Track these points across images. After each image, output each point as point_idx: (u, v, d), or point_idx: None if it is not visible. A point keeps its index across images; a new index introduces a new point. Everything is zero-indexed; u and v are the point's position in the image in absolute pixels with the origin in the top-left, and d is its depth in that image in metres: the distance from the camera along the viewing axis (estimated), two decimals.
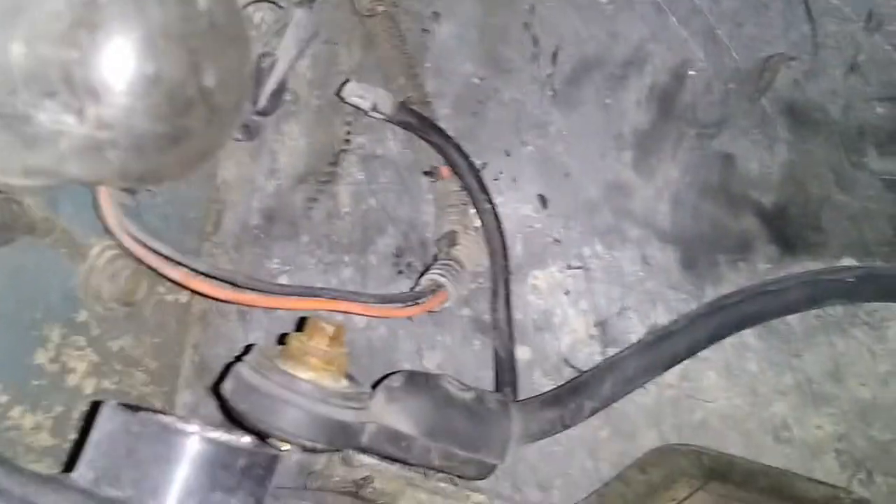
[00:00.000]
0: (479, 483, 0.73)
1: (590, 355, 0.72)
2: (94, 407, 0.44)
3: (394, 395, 0.58)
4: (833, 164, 0.69)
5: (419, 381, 0.59)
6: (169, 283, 0.70)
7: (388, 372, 0.64)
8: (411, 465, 0.64)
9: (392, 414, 0.57)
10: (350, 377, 0.57)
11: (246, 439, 0.47)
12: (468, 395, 0.61)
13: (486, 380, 0.73)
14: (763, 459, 0.69)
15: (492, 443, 0.61)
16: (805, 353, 0.69)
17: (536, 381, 0.73)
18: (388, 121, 0.66)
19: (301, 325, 0.55)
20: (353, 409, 0.54)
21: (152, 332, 0.70)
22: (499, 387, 0.68)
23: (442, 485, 0.74)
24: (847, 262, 0.68)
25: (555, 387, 0.69)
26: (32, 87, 0.38)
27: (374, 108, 0.62)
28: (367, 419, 0.55)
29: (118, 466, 0.41)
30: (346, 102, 0.64)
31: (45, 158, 0.41)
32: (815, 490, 0.68)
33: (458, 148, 0.68)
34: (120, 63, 0.39)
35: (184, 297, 0.74)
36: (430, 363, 0.75)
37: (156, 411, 0.45)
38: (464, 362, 0.74)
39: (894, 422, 0.67)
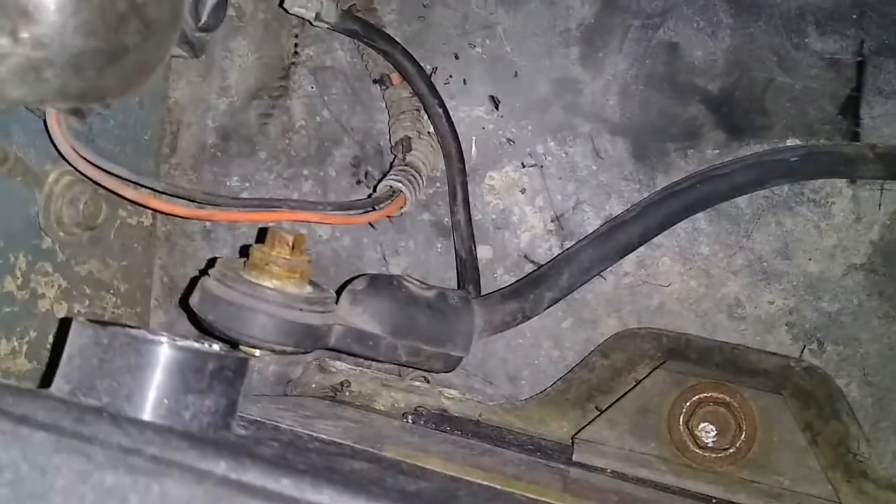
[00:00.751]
0: (452, 379, 0.77)
1: (549, 250, 0.74)
2: (65, 325, 0.45)
3: (357, 297, 0.60)
4: (775, 46, 0.71)
5: (382, 283, 0.61)
6: (130, 207, 0.71)
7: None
8: (380, 361, 0.66)
9: (357, 315, 0.59)
10: (314, 283, 0.58)
11: (215, 346, 0.49)
12: (430, 293, 0.63)
13: (452, 280, 0.75)
14: (719, 337, 0.72)
15: (456, 336, 0.63)
16: (754, 233, 0.72)
17: (499, 278, 0.75)
18: (333, 29, 0.66)
19: (262, 236, 0.57)
20: (319, 312, 0.56)
21: (118, 255, 0.71)
22: (462, 285, 0.70)
23: (416, 383, 0.77)
24: (792, 142, 0.71)
25: (515, 281, 0.71)
26: None
27: (318, 18, 0.62)
28: (333, 321, 0.57)
29: (92, 377, 0.42)
30: (290, 13, 0.64)
31: None
32: (768, 361, 0.71)
33: (406, 53, 0.68)
34: None
35: (147, 219, 0.75)
36: (396, 269, 0.77)
37: (124, 325, 0.47)
38: (428, 265, 0.76)
39: (842, 293, 0.71)
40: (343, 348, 0.59)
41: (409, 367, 0.71)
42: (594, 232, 0.71)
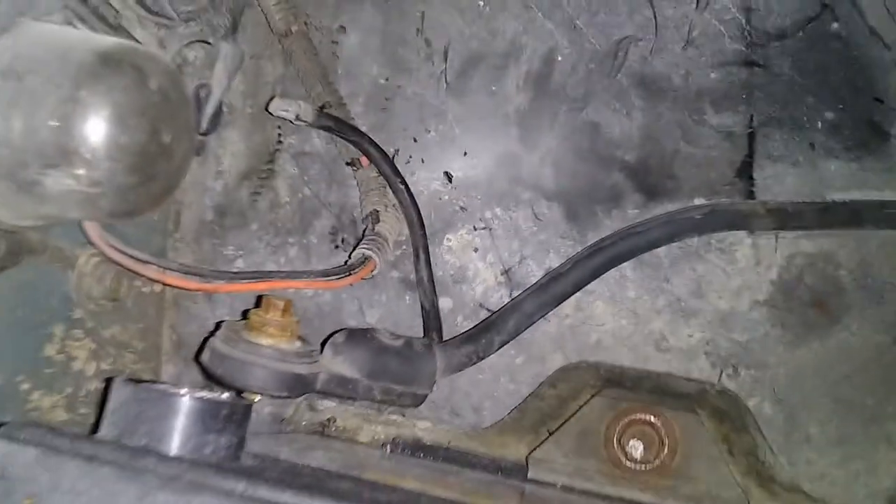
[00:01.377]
0: (425, 412, 0.87)
1: (500, 298, 0.86)
2: (107, 384, 0.57)
3: (338, 349, 0.72)
4: (679, 122, 0.82)
5: (358, 336, 0.74)
6: (145, 279, 0.83)
7: (335, 330, 0.77)
8: (359, 400, 0.78)
9: (338, 364, 0.71)
10: (302, 339, 0.71)
11: (225, 395, 0.61)
12: (398, 342, 0.75)
13: (419, 328, 0.86)
14: (648, 367, 0.83)
15: (421, 377, 0.76)
16: (673, 278, 0.83)
17: (459, 324, 0.86)
18: (310, 126, 0.78)
19: (258, 302, 0.69)
20: (307, 363, 0.68)
21: (135, 319, 0.83)
22: (426, 333, 0.82)
23: (393, 417, 0.88)
24: (698, 201, 0.82)
25: (470, 328, 0.82)
26: (38, 161, 0.51)
27: (298, 118, 0.74)
28: (319, 370, 0.69)
29: (132, 424, 0.54)
30: (274, 115, 0.76)
31: (53, 209, 0.54)
32: (688, 386, 0.82)
33: (372, 141, 0.80)
34: (101, 137, 0.52)
35: (158, 287, 0.87)
36: (371, 319, 0.88)
37: (153, 381, 0.59)
38: (399, 315, 0.88)
39: (750, 325, 0.81)
40: (327, 391, 0.70)
41: (384, 403, 0.83)
42: (535, 283, 0.82)
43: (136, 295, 0.81)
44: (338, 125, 0.77)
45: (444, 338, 0.83)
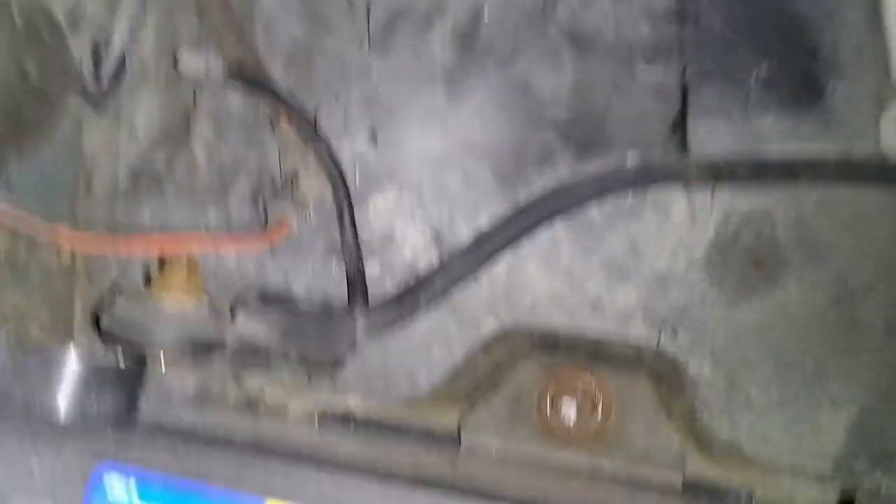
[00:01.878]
0: (356, 383, 0.84)
1: (430, 262, 0.83)
2: None
3: (250, 310, 0.69)
4: (611, 78, 0.80)
5: (271, 297, 0.70)
6: (49, 246, 0.79)
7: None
8: (273, 365, 0.75)
9: (250, 326, 0.68)
10: (211, 301, 0.67)
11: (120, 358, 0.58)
12: (315, 304, 0.72)
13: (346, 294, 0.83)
14: (585, 330, 0.81)
15: (340, 340, 0.73)
16: (607, 237, 0.81)
17: (388, 287, 0.83)
18: (222, 85, 0.74)
19: (161, 264, 0.65)
20: (214, 324, 0.64)
21: (40, 290, 0.78)
22: (351, 298, 0.79)
23: (323, 390, 0.85)
24: (631, 158, 0.80)
25: (395, 292, 0.80)
26: None
27: (208, 76, 0.70)
28: (228, 333, 0.66)
29: (12, 385, 0.51)
30: (183, 74, 0.72)
31: None
32: (626, 349, 0.80)
33: (287, 101, 0.77)
34: None
35: (66, 258, 0.82)
36: (298, 287, 0.85)
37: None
38: (327, 283, 0.84)
39: (687, 286, 0.80)
40: (239, 357, 0.67)
41: (302, 368, 0.79)
42: (464, 245, 0.80)
43: (40, 265, 0.77)
44: (250, 83, 0.73)
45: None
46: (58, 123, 0.55)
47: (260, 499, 0.40)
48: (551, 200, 0.79)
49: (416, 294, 0.77)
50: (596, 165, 0.81)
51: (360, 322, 0.74)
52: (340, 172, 0.80)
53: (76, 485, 0.42)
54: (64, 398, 0.49)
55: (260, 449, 0.40)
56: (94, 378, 0.50)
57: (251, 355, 0.68)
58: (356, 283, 0.79)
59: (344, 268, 0.81)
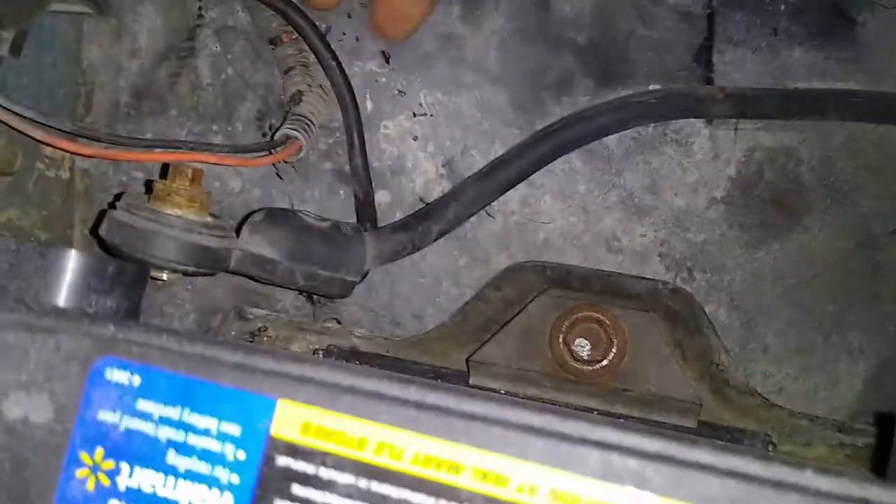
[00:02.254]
0: (362, 320, 0.83)
1: (441, 191, 0.80)
2: None
3: (257, 227, 0.66)
4: (635, 1, 0.77)
5: (279, 214, 0.67)
6: (48, 160, 0.76)
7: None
8: (278, 285, 0.72)
9: (256, 243, 0.65)
10: (214, 215, 0.64)
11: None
12: (324, 224, 0.69)
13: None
14: (598, 267, 0.78)
15: (349, 263, 0.70)
16: (625, 171, 0.78)
17: (397, 218, 0.80)
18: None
19: (164, 171, 0.62)
20: (218, 236, 0.61)
21: (38, 205, 0.76)
22: (358, 219, 0.77)
23: (328, 325, 0.83)
24: (653, 87, 0.77)
25: (405, 216, 0.77)
26: None
27: None
28: (233, 246, 0.63)
29: (2, 280, 0.48)
30: None
31: None
32: (640, 285, 0.77)
33: (300, 11, 0.73)
34: None
35: (65, 173, 0.79)
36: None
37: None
38: (332, 210, 0.81)
39: (706, 224, 0.77)
40: (243, 271, 0.64)
41: (307, 291, 0.77)
42: (477, 172, 0.77)
43: (38, 178, 0.74)
44: None
45: None
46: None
47: (272, 399, 0.37)
48: (568, 129, 0.76)
49: (427, 221, 0.74)
50: (616, 94, 0.78)
51: (370, 247, 0.71)
52: (351, 93, 0.76)
53: (75, 380, 0.39)
54: (62, 294, 0.46)
55: (271, 351, 0.38)
56: (93, 275, 0.47)
57: (255, 271, 0.65)
58: (365, 207, 0.76)
59: (353, 193, 0.78)
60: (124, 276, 0.51)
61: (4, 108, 0.57)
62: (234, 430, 0.38)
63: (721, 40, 0.76)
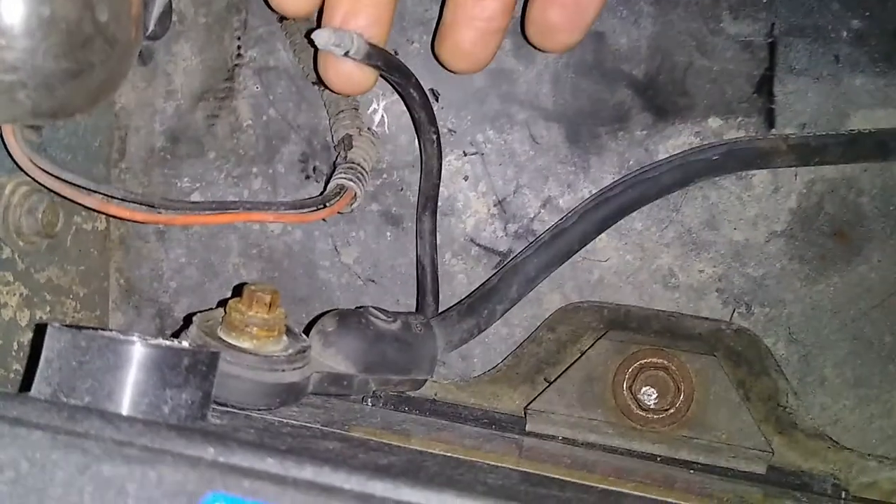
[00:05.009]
0: None
1: (493, 233, 0.78)
2: (39, 332, 0.47)
3: (329, 339, 0.63)
4: (693, 32, 0.74)
5: (350, 322, 0.64)
6: (85, 213, 0.72)
7: (322, 312, 0.68)
8: (352, 396, 0.70)
9: (330, 357, 0.62)
10: (289, 331, 0.60)
11: (185, 342, 0.51)
12: (395, 326, 0.66)
13: (401, 268, 0.78)
14: (655, 306, 0.76)
15: (421, 362, 0.68)
16: (683, 207, 0.76)
17: (447, 262, 0.78)
18: (358, 62, 0.63)
19: (238, 291, 0.58)
20: (299, 368, 0.58)
21: (76, 260, 0.72)
22: (421, 295, 0.74)
23: None
24: (713, 121, 0.74)
25: (467, 295, 0.75)
26: None
27: (347, 54, 0.60)
28: (310, 371, 0.59)
29: (72, 379, 0.45)
30: (318, 48, 0.62)
31: None
32: (701, 325, 0.76)
33: (418, 84, 0.70)
34: (16, 7, 0.41)
35: (101, 224, 0.75)
36: (348, 259, 0.79)
37: (96, 328, 0.49)
38: (378, 254, 0.79)
39: (766, 258, 0.75)
40: (319, 392, 0.61)
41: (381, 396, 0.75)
42: (537, 240, 0.74)
43: (75, 232, 0.70)
44: (386, 62, 0.65)
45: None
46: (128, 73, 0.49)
47: None
48: (630, 191, 0.73)
49: (492, 302, 0.72)
50: (674, 128, 0.75)
51: (439, 339, 0.70)
52: (439, 162, 0.73)
53: None
54: (135, 391, 0.43)
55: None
56: (167, 368, 0.44)
57: (331, 390, 0.62)
58: (429, 278, 0.74)
59: (401, 239, 0.75)
60: (198, 366, 0.48)
61: (53, 175, 0.53)
62: None
63: (782, 70, 0.74)
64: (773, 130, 0.74)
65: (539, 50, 0.71)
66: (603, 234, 0.76)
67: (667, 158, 0.74)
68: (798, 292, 0.75)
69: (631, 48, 0.75)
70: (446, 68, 0.69)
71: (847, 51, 0.73)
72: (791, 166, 0.74)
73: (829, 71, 0.74)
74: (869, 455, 0.74)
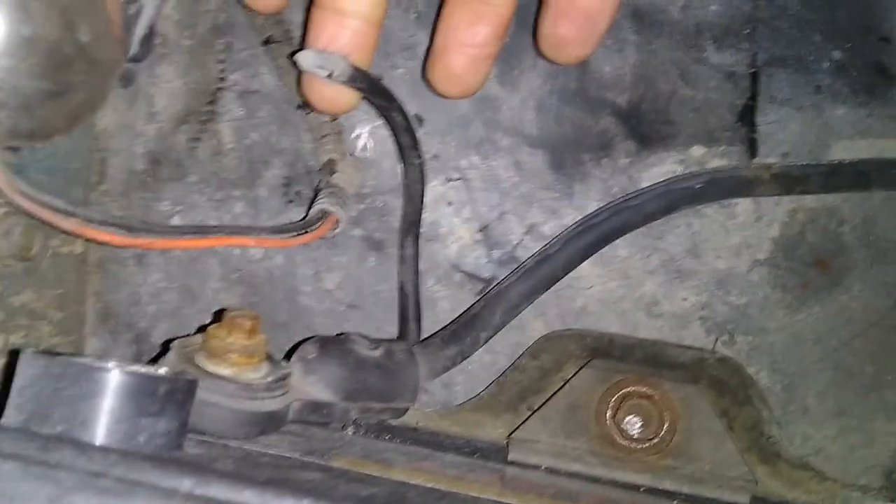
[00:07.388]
0: None
1: (476, 259, 0.77)
2: (12, 358, 0.46)
3: (310, 366, 0.62)
4: (677, 61, 0.75)
5: (331, 349, 0.63)
6: (62, 236, 0.71)
7: (304, 339, 0.67)
8: (332, 424, 0.69)
9: (311, 385, 0.61)
10: (269, 358, 0.59)
11: (163, 369, 0.50)
12: (377, 353, 0.65)
13: (384, 294, 0.77)
14: (639, 334, 0.76)
15: (403, 390, 0.67)
16: (666, 235, 0.75)
17: (431, 288, 0.77)
18: (342, 85, 0.64)
19: (218, 316, 0.57)
20: (279, 396, 0.57)
21: (52, 284, 0.71)
22: (403, 322, 0.73)
23: None
24: (696, 149, 0.75)
25: (451, 322, 0.74)
26: None
27: (331, 76, 0.61)
28: (291, 399, 0.58)
29: (45, 407, 0.43)
30: (302, 70, 0.63)
31: None
32: (685, 355, 0.75)
33: (401, 108, 0.69)
34: None
35: (78, 247, 0.74)
36: (330, 284, 0.78)
37: (71, 354, 0.48)
38: (361, 280, 0.78)
39: (749, 287, 0.75)
40: (299, 420, 0.60)
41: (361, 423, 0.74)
42: (521, 266, 0.74)
43: (52, 256, 0.69)
44: (370, 85, 0.65)
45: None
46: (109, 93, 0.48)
47: None
48: (613, 218, 0.73)
49: (475, 330, 0.72)
50: (657, 157, 0.75)
51: (422, 367, 0.69)
52: (422, 187, 0.73)
53: None
54: (109, 419, 0.42)
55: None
56: (144, 396, 0.43)
57: (311, 418, 0.61)
58: (411, 304, 0.73)
59: (384, 264, 0.74)
60: (175, 394, 0.47)
61: (30, 197, 0.52)
62: None
63: (765, 99, 0.74)
64: (756, 159, 0.74)
65: (553, 63, 0.71)
66: (587, 262, 0.76)
67: (650, 186, 0.74)
68: (780, 321, 0.75)
69: (615, 76, 0.75)
70: (436, 93, 0.69)
71: (828, 81, 0.74)
72: (773, 195, 0.74)
73: (811, 101, 0.74)
74: (852, 485, 0.74)
